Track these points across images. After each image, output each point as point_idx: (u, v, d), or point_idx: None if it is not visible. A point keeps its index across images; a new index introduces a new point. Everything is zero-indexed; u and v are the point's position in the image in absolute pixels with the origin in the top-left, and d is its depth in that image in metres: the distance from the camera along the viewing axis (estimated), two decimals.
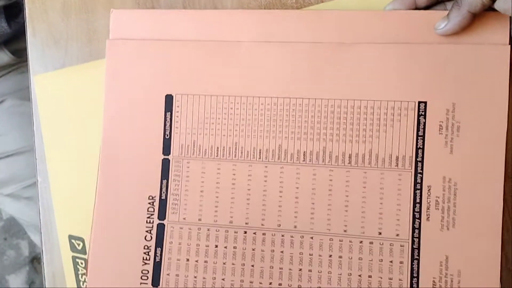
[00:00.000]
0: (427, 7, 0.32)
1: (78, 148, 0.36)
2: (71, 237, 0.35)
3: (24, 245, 0.68)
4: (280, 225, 0.33)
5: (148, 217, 0.34)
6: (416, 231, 0.31)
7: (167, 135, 0.34)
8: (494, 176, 0.30)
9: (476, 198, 0.30)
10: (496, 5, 0.28)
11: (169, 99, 0.34)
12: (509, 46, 0.30)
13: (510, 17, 0.30)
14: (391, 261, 0.31)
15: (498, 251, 0.30)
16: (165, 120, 0.34)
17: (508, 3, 0.27)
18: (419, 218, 0.31)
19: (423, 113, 0.31)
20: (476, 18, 0.30)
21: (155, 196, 0.34)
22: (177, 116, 0.34)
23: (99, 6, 0.37)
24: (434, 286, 0.30)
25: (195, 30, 0.34)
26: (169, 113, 0.34)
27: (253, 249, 0.33)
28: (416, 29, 0.31)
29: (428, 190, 0.31)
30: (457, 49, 0.31)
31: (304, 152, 0.32)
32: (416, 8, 0.32)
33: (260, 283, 0.32)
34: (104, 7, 0.37)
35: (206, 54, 0.34)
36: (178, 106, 0.34)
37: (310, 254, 0.32)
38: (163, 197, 0.34)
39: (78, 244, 0.35)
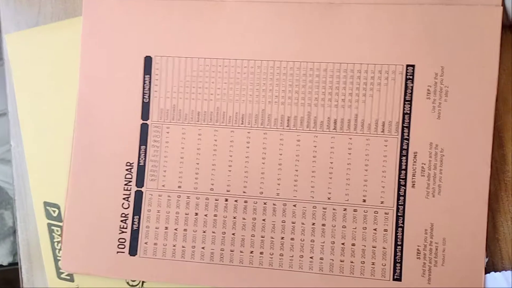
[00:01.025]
0: None
1: (53, 110, 0.34)
2: (46, 203, 0.34)
3: (8, 215, 0.66)
4: (262, 192, 0.32)
5: (126, 184, 0.33)
6: (401, 198, 0.30)
7: (146, 99, 0.33)
8: (482, 143, 0.29)
9: (463, 165, 0.30)
10: None
11: (148, 61, 0.33)
12: (502, 7, 0.29)
13: None
14: (375, 229, 0.30)
15: (484, 219, 0.29)
16: (144, 83, 0.33)
17: None
18: (404, 185, 0.30)
19: (411, 77, 0.30)
20: None
21: (133, 163, 0.33)
22: (156, 79, 0.33)
23: None
24: (418, 254, 0.30)
25: None
26: (148, 76, 0.33)
27: (234, 217, 0.32)
28: None
29: (414, 157, 0.30)
30: (449, 10, 0.30)
31: (288, 117, 0.31)
32: None
33: (241, 251, 0.32)
34: None
35: (188, 14, 0.32)
36: (157, 69, 0.33)
37: (292, 222, 0.31)
38: (142, 163, 0.33)
39: (54, 211, 0.34)
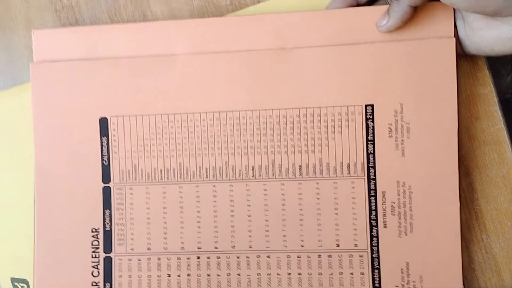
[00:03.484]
0: (368, 3, 0.30)
1: (10, 183, 0.33)
2: (14, 280, 0.33)
3: None
4: (234, 246, 0.31)
5: (94, 251, 0.32)
6: (374, 239, 0.30)
7: (106, 161, 0.32)
8: (449, 176, 0.29)
9: (432, 200, 0.29)
10: None
11: (103, 123, 0.32)
12: (455, 38, 0.29)
13: (454, 9, 0.29)
14: (352, 273, 0.30)
15: (459, 251, 0.29)
16: (102, 145, 0.32)
17: None
18: (376, 226, 0.30)
19: (371, 117, 0.30)
20: (418, 10, 0.29)
21: (98, 228, 0.32)
22: (114, 140, 0.32)
23: (18, 24, 0.34)
24: None
25: (125, 45, 0.31)
26: (105, 137, 0.32)
27: (208, 275, 0.31)
28: (358, 28, 0.30)
29: (383, 196, 0.30)
30: (401, 46, 0.29)
31: (253, 167, 0.31)
32: (358, 5, 0.30)
33: None
34: (24, 25, 0.34)
35: (139, 71, 0.31)
36: (114, 130, 0.32)
37: (268, 274, 0.30)
38: (108, 228, 0.32)
39: (22, 287, 0.32)
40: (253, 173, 0.31)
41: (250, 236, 0.31)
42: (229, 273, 0.31)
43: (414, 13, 0.28)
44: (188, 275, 0.31)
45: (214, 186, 0.31)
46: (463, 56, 0.30)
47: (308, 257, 0.30)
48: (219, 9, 0.33)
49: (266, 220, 0.31)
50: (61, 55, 0.32)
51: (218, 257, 0.31)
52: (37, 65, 0.32)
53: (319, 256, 0.30)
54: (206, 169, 0.31)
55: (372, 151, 0.30)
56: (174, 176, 0.31)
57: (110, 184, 0.32)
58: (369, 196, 0.30)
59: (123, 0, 0.34)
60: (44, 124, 0.32)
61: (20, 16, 0.35)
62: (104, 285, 0.31)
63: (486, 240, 0.31)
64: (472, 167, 0.31)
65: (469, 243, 0.31)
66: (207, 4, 0.33)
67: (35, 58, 0.32)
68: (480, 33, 0.28)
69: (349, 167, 0.30)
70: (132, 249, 0.31)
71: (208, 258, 0.31)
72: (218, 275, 0.31)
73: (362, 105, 0.30)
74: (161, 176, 0.31)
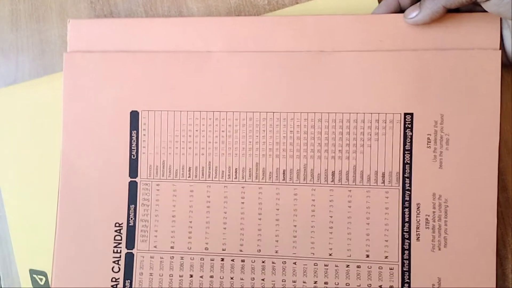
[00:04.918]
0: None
1: (36, 172, 0.32)
2: (32, 271, 0.32)
3: None
4: (260, 250, 0.30)
5: (115, 246, 0.31)
6: (406, 252, 0.29)
7: (134, 156, 0.31)
8: (487, 191, 0.28)
9: (469, 214, 0.28)
10: (487, 7, 0.26)
11: (134, 116, 0.31)
12: (500, 51, 0.28)
13: (500, 19, 0.28)
14: (380, 286, 0.29)
15: (493, 269, 0.28)
16: (131, 139, 0.31)
17: (506, 6, 0.25)
18: (409, 239, 0.29)
19: (409, 126, 0.29)
20: (463, 19, 0.28)
21: (122, 223, 0.31)
22: (144, 135, 0.31)
23: (52, 14, 0.34)
24: None
25: (161, 40, 0.31)
26: (135, 131, 0.31)
27: (232, 278, 0.30)
28: (400, 35, 0.29)
29: (417, 208, 0.29)
30: (445, 55, 0.28)
31: (284, 170, 0.30)
32: (401, 11, 0.30)
33: None
34: (58, 15, 0.34)
35: (174, 66, 0.31)
36: (144, 124, 0.31)
37: (293, 281, 0.30)
38: (131, 224, 0.31)
39: (41, 279, 0.32)
40: (283, 177, 0.30)
41: (277, 241, 0.30)
42: (253, 278, 0.30)
43: (444, 15, 0.28)
44: (211, 276, 0.30)
45: (242, 187, 0.30)
46: (506, 68, 0.29)
47: (336, 266, 0.29)
48: (257, 8, 0.33)
49: (295, 226, 0.30)
50: (96, 46, 0.31)
51: (242, 260, 0.30)
52: (70, 55, 0.31)
53: (348, 266, 0.29)
54: (236, 169, 0.30)
55: (408, 161, 0.29)
56: (203, 174, 0.31)
57: (137, 179, 0.31)
58: (403, 208, 0.29)
59: None
60: (74, 114, 0.31)
61: (55, 6, 0.34)
62: (124, 281, 0.31)
63: None
64: (510, 181, 0.30)
65: (504, 260, 0.30)
66: (245, 2, 0.33)
67: (69, 48, 0.32)
68: None
69: (383, 176, 0.29)
70: (155, 247, 0.31)
71: (233, 260, 0.30)
72: (242, 279, 0.30)
73: (401, 113, 0.29)
74: (189, 174, 0.31)
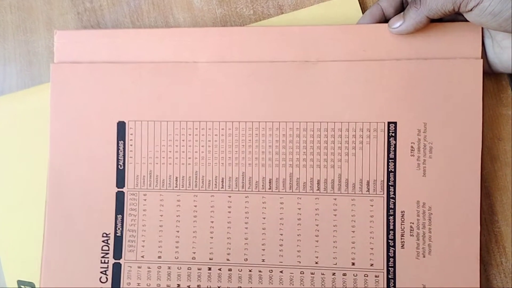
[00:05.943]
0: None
1: (23, 183, 0.32)
2: (20, 282, 0.32)
3: None
4: (247, 259, 0.30)
5: (103, 257, 0.31)
6: (391, 260, 0.29)
7: (121, 166, 0.31)
8: (470, 198, 0.28)
9: (452, 222, 0.29)
10: (469, 17, 0.27)
11: (121, 127, 0.31)
12: (482, 60, 0.28)
13: (482, 28, 0.29)
14: None
15: (477, 275, 0.28)
16: (118, 149, 0.31)
17: (487, 16, 0.25)
18: (394, 246, 0.29)
19: (393, 134, 0.29)
20: (446, 29, 0.28)
21: (109, 233, 0.31)
22: (131, 145, 0.31)
23: (39, 25, 0.34)
24: None
25: (148, 51, 0.31)
26: (122, 141, 0.31)
27: (219, 287, 0.30)
28: (384, 44, 0.29)
29: (402, 216, 0.29)
30: (428, 64, 0.29)
31: (270, 179, 0.30)
32: (386, 21, 0.30)
33: None
34: (45, 26, 0.34)
35: (160, 77, 0.31)
36: (131, 134, 0.31)
37: None
38: (119, 234, 0.31)
39: None
40: (269, 186, 0.30)
41: (263, 249, 0.30)
42: (240, 287, 0.30)
43: (428, 24, 0.28)
44: (198, 286, 0.30)
45: (229, 196, 0.30)
46: (488, 76, 0.30)
47: (322, 274, 0.30)
48: (242, 18, 0.33)
49: (281, 234, 0.30)
50: (82, 57, 0.32)
51: (229, 270, 0.30)
52: (57, 66, 0.32)
53: (334, 274, 0.29)
54: (222, 179, 0.30)
55: (392, 169, 0.29)
56: (189, 184, 0.31)
57: (124, 189, 0.31)
58: (388, 215, 0.29)
59: (146, 5, 0.34)
60: (61, 124, 0.31)
61: (42, 17, 0.34)
62: None
63: (505, 264, 0.30)
64: (493, 188, 0.30)
65: (488, 266, 0.30)
66: (230, 13, 0.33)
67: (56, 59, 0.32)
68: (510, 51, 0.27)
69: (368, 185, 0.29)
70: (142, 257, 0.31)
71: (220, 270, 0.30)
72: None
73: (385, 122, 0.29)
74: (176, 184, 0.31)
